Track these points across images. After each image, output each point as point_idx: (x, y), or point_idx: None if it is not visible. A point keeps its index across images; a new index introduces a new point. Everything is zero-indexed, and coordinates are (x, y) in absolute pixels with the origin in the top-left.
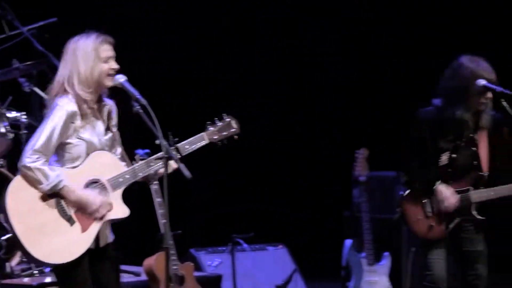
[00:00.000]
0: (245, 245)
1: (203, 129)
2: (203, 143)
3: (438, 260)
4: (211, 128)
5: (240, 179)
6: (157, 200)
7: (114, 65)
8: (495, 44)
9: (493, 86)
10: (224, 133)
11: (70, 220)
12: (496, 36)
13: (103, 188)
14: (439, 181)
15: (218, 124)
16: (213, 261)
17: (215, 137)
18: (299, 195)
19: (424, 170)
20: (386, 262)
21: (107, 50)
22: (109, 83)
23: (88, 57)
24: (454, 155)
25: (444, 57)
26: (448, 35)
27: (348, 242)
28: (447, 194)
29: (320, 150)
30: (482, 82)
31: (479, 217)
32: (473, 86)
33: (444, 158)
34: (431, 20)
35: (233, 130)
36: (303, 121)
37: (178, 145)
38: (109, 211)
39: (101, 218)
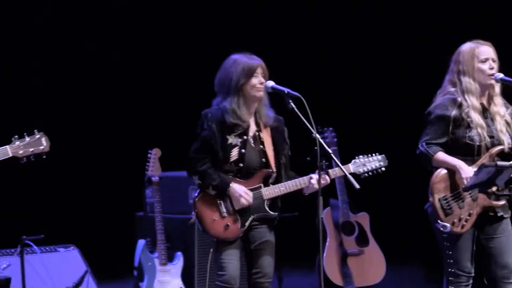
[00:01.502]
0: (35, 247)
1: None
2: (6, 156)
3: (232, 260)
4: (17, 143)
5: (30, 180)
6: None
7: None
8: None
9: (281, 88)
10: (31, 149)
11: None
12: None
13: None
14: (232, 182)
15: (26, 139)
16: (1, 264)
17: (20, 151)
18: (90, 196)
19: (215, 170)
20: (178, 262)
21: None
22: None
23: None
24: (243, 150)
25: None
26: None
27: (141, 243)
28: (241, 192)
29: (111, 149)
30: (270, 83)
31: (272, 213)
32: (244, 80)
33: (234, 154)
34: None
35: (42, 147)
36: (93, 120)
37: None
38: None
39: None
